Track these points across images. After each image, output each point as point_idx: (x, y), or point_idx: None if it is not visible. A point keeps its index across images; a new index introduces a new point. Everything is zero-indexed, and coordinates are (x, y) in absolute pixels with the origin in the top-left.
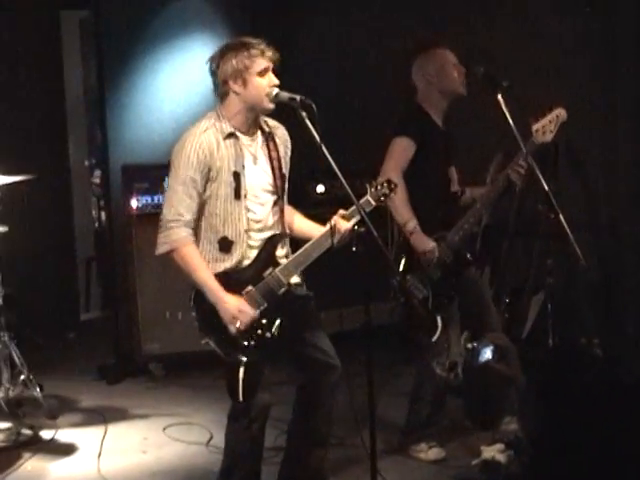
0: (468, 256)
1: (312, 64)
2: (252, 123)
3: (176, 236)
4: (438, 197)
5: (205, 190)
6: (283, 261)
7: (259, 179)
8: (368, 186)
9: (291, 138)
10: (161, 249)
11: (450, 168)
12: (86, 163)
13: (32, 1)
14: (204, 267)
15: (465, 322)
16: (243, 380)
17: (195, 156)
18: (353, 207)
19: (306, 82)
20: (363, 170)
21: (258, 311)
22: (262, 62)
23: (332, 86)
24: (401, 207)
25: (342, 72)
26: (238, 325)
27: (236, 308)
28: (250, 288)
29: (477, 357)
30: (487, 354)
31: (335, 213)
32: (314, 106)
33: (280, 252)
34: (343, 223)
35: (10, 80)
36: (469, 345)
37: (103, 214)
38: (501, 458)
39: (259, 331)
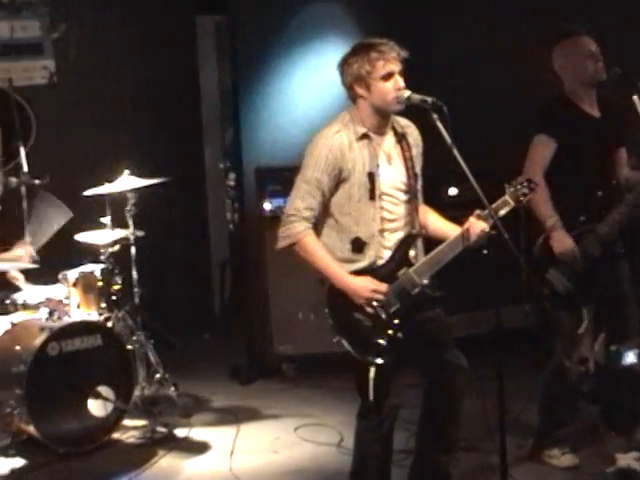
0: (618, 250)
1: (444, 63)
2: (384, 123)
3: (295, 230)
4: (588, 190)
5: (336, 191)
6: (415, 261)
7: (393, 179)
8: (507, 186)
9: (422, 139)
10: (281, 243)
11: (618, 150)
12: (221, 166)
13: (169, 6)
14: (327, 256)
15: (606, 320)
16: (374, 380)
17: (324, 157)
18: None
19: (438, 81)
20: (498, 172)
21: (387, 286)
22: (385, 66)
23: (465, 85)
24: (542, 205)
25: (474, 71)
26: (375, 304)
27: (366, 288)
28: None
29: (620, 360)
30: (631, 357)
31: (467, 216)
32: (445, 108)
33: (412, 252)
34: (478, 224)
35: (147, 83)
36: (612, 347)
37: (237, 216)
38: (637, 466)
39: (390, 331)
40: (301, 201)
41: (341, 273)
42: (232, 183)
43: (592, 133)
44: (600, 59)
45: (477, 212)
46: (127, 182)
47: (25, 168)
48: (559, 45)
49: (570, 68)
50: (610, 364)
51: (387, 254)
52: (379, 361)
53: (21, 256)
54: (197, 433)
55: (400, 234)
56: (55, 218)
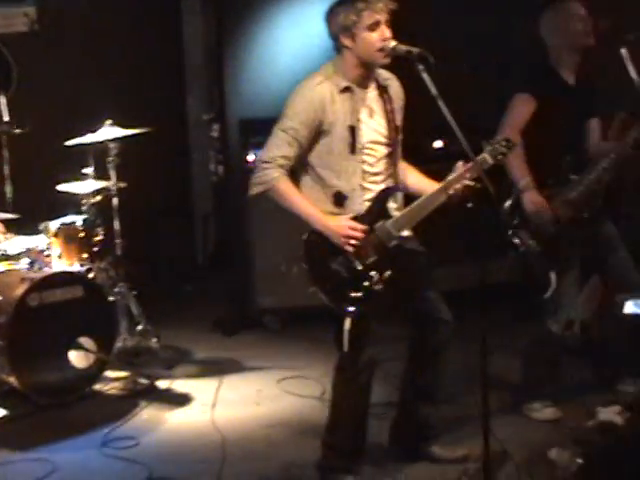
0: (585, 215)
1: (432, 16)
2: (367, 76)
3: (269, 176)
4: (557, 154)
5: (316, 143)
6: (395, 214)
7: (375, 132)
8: (484, 144)
9: (408, 92)
10: (255, 190)
11: (589, 122)
12: (205, 117)
13: None
14: (303, 200)
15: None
16: (350, 331)
17: (304, 109)
18: (470, 163)
19: (426, 33)
20: (482, 126)
21: (367, 227)
22: (371, 16)
23: (452, 39)
24: (515, 164)
25: (467, 25)
26: (353, 242)
27: (345, 226)
28: None
29: (621, 309)
30: (632, 307)
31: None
32: (431, 59)
33: (392, 205)
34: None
35: (130, 34)
36: (618, 298)
37: (221, 168)
38: (618, 420)
39: (366, 283)
40: (277, 149)
41: (319, 214)
42: (216, 134)
43: (567, 101)
44: (589, 24)
45: (460, 164)
46: (109, 132)
47: (6, 117)
48: (550, 9)
49: (560, 32)
50: (613, 313)
51: None
52: (353, 310)
53: None
54: (179, 385)
55: (381, 187)
56: None
